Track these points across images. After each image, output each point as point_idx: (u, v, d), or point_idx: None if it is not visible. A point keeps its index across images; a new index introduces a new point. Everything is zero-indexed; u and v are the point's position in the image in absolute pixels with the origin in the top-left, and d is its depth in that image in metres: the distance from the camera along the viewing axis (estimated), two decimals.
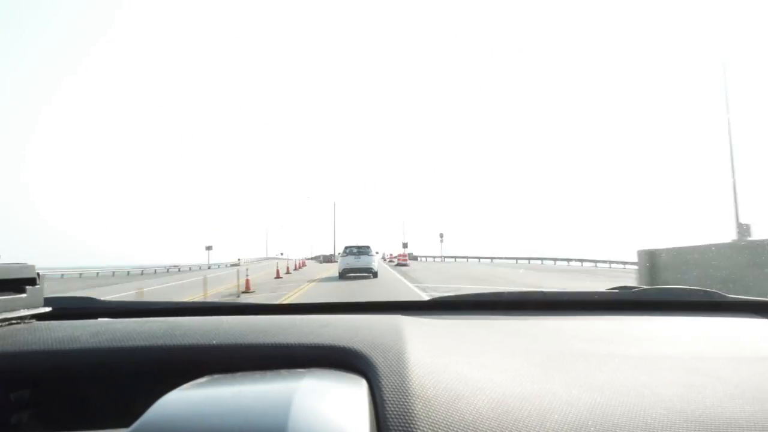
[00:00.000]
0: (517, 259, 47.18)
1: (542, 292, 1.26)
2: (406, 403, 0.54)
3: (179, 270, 56.42)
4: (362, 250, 23.46)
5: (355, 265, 22.88)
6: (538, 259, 45.50)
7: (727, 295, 1.16)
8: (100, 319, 0.94)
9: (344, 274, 22.96)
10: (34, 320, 0.87)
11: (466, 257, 57.88)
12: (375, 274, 22.73)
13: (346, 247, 24.34)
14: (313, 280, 22.24)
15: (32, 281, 0.86)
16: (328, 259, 63.00)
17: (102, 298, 1.26)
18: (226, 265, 61.13)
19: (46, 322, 0.85)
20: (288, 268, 32.12)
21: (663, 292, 1.24)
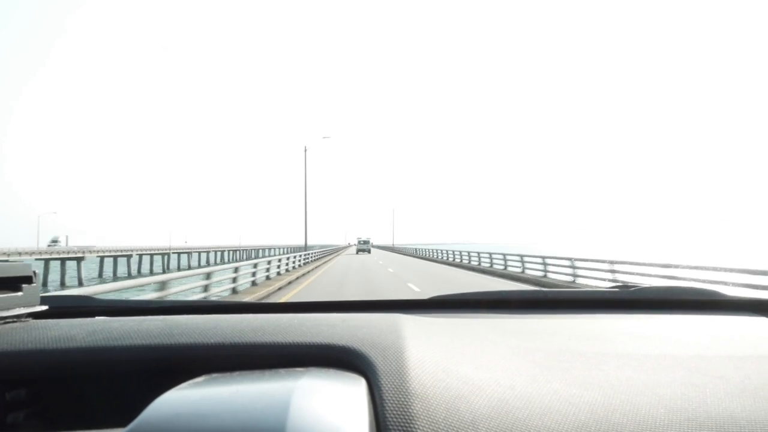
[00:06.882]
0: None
1: (543, 291, 1.26)
2: (405, 403, 0.54)
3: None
4: (365, 241, 66.79)
5: (363, 247, 64.23)
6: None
7: (726, 293, 1.16)
8: (97, 318, 0.93)
9: (358, 251, 61.87)
10: (30, 319, 0.86)
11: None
12: (369, 251, 63.28)
13: (359, 240, 68.03)
14: None
15: (29, 279, 0.86)
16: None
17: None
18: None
19: (43, 321, 0.84)
20: None
21: (663, 290, 1.24)
